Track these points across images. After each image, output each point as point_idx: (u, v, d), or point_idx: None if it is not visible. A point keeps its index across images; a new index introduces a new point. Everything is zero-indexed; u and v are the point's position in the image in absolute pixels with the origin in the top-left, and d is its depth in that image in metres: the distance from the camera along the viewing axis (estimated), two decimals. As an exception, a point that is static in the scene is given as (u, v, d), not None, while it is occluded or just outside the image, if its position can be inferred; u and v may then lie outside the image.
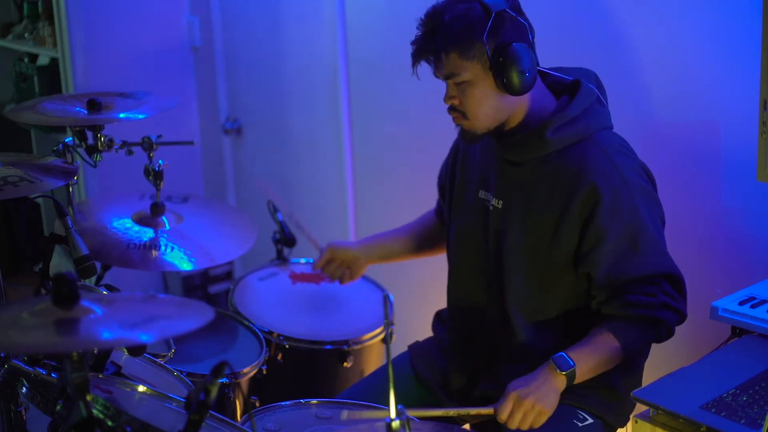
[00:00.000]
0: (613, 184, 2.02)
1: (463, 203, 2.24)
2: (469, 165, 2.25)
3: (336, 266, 2.60)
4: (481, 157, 2.22)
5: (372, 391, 2.28)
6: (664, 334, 2.10)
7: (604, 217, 2.02)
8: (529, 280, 2.12)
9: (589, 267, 2.06)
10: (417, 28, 2.07)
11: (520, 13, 2.05)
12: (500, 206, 2.14)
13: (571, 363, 2.01)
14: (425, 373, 2.33)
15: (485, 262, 2.20)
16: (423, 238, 2.58)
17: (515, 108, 2.08)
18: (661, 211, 2.13)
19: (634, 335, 2.07)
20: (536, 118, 2.08)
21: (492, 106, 2.06)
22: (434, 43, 2.02)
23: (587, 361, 2.04)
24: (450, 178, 2.32)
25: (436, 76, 2.09)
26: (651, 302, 2.05)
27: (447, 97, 2.08)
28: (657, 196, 2.12)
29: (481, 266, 2.21)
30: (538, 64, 2.06)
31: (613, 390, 2.13)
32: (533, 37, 2.06)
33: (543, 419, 2.00)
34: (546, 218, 2.07)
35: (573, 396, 2.11)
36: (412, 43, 2.07)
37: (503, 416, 1.99)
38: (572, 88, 2.12)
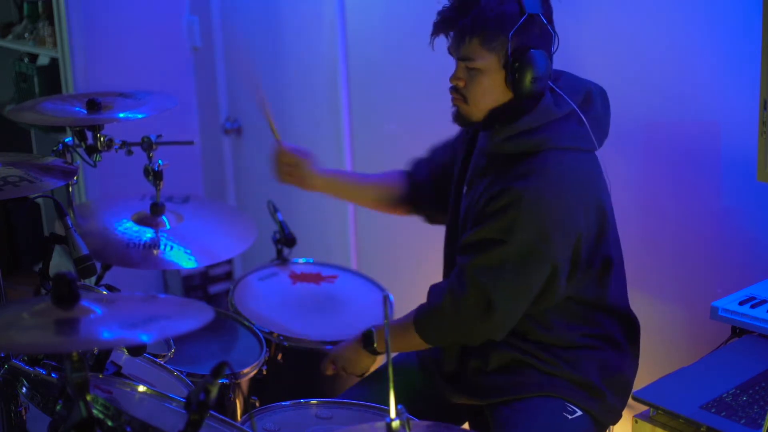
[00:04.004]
0: (514, 195, 2.00)
1: (455, 186, 2.28)
2: (458, 161, 2.27)
3: (292, 168, 2.51)
4: (465, 153, 2.24)
5: (373, 390, 2.28)
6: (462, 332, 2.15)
7: (492, 206, 2.04)
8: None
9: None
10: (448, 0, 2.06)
11: (551, 21, 2.04)
12: (465, 192, 2.20)
13: (373, 342, 2.26)
14: (425, 359, 2.34)
15: (449, 239, 2.28)
16: (383, 193, 2.53)
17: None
18: (534, 257, 2.03)
19: (429, 317, 2.17)
20: (494, 120, 2.09)
21: (493, 100, 2.06)
22: (462, 22, 2.01)
23: (391, 337, 2.00)
24: (450, 162, 2.35)
25: (449, 51, 2.09)
26: (440, 285, 2.16)
27: (454, 77, 2.08)
28: (548, 248, 2.02)
29: (448, 243, 2.29)
30: (551, 76, 2.06)
31: (593, 387, 2.13)
32: (556, 49, 2.06)
33: (354, 376, 2.33)
34: (472, 214, 2.13)
35: (562, 389, 2.13)
36: (439, 13, 2.06)
37: (328, 372, 2.35)
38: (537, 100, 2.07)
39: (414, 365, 2.37)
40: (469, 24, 2.00)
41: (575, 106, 2.07)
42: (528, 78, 1.99)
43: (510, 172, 2.04)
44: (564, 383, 2.13)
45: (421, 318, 2.18)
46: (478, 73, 2.03)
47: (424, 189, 2.45)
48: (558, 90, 2.09)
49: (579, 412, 2.13)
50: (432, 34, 2.08)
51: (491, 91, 2.04)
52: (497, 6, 1.99)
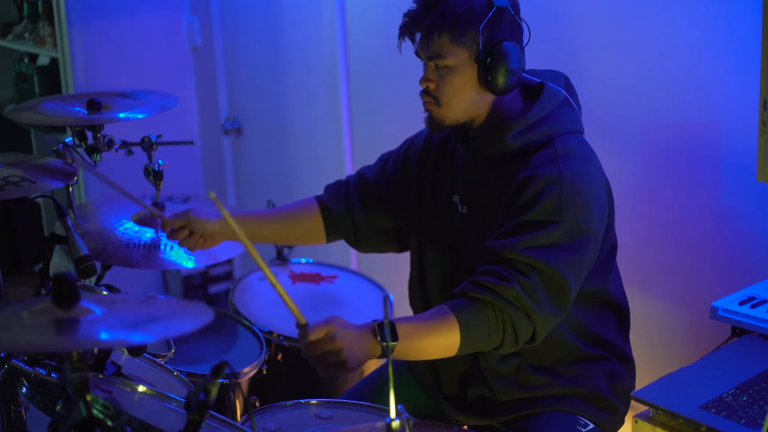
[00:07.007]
0: (549, 177, 1.96)
1: (436, 207, 2.20)
2: (441, 168, 2.21)
3: (188, 235, 2.29)
4: (451, 160, 2.20)
5: (371, 391, 2.28)
6: (508, 333, 1.93)
7: (526, 195, 1.96)
8: None
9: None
10: (414, 1, 2.03)
11: (519, 15, 2.04)
12: (465, 211, 2.12)
13: (396, 338, 1.87)
14: (421, 374, 2.32)
15: (451, 266, 2.16)
16: (293, 227, 2.40)
17: (486, 106, 2.04)
18: (582, 234, 1.97)
19: (474, 316, 1.92)
20: (500, 119, 2.05)
21: (467, 99, 2.02)
22: (430, 19, 1.98)
23: (415, 339, 1.91)
24: (415, 178, 2.27)
25: (418, 55, 2.05)
26: (500, 285, 1.90)
27: (423, 80, 2.04)
28: (591, 223, 1.97)
29: (448, 271, 2.16)
30: (524, 69, 2.05)
31: (604, 399, 2.12)
32: (527, 42, 2.05)
33: (338, 369, 1.85)
34: (495, 222, 2.02)
35: (573, 404, 2.11)
36: (405, 14, 2.03)
37: (312, 337, 1.83)
38: (537, 90, 2.07)
39: (406, 373, 2.35)
40: (438, 19, 1.97)
41: (564, 92, 2.07)
42: (502, 71, 1.97)
43: (528, 164, 2.00)
44: (576, 399, 2.11)
45: (464, 313, 1.92)
46: (449, 71, 2.00)
47: (353, 209, 2.36)
48: (544, 81, 2.08)
49: (591, 425, 2.12)
50: (399, 37, 2.04)
51: (464, 90, 2.01)
52: (465, 1, 1.97)
